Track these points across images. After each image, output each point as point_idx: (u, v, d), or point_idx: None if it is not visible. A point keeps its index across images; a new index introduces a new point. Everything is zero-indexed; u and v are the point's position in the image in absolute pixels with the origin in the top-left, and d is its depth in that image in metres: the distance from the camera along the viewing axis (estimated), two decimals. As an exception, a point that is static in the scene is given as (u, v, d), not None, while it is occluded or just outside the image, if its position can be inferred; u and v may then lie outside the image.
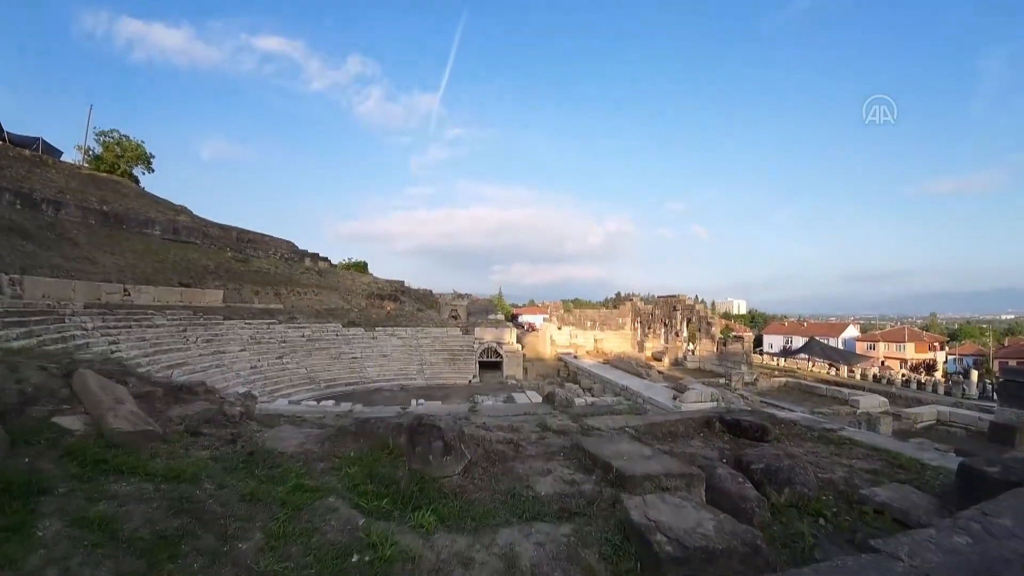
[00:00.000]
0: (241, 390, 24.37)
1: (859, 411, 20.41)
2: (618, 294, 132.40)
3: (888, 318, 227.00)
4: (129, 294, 28.01)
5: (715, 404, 19.73)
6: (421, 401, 23.01)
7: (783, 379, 28.04)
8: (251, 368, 27.27)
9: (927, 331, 73.06)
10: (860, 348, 58.74)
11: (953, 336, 77.69)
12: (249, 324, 31.62)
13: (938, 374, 46.67)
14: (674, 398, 21.60)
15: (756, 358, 37.21)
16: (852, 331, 71.44)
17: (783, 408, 21.76)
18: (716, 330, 34.70)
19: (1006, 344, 64.07)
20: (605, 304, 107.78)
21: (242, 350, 28.67)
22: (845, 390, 23.76)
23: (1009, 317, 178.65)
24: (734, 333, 41.73)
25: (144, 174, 53.14)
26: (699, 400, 19.60)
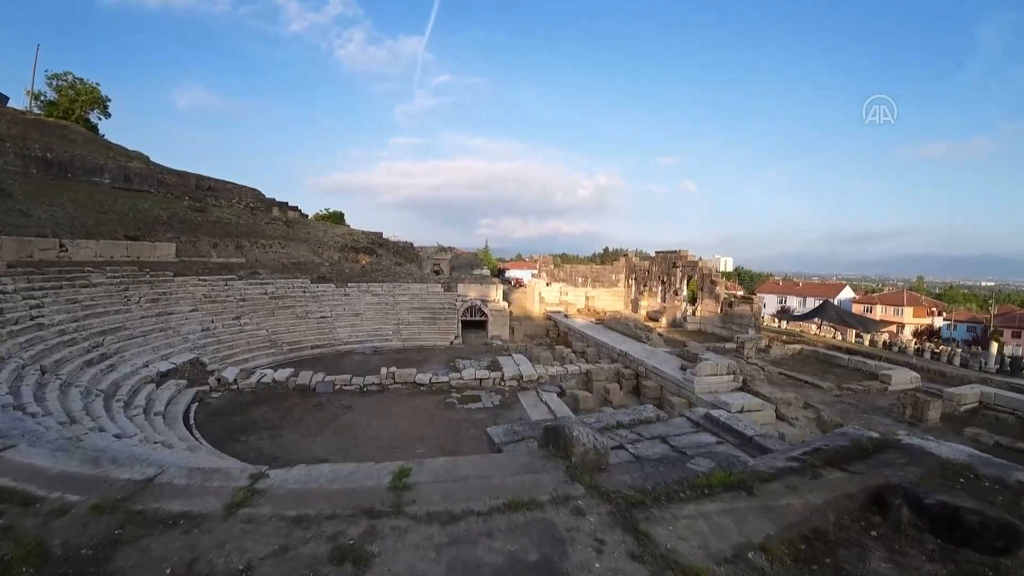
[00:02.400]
0: (187, 357, 21.41)
1: (890, 387, 18.06)
2: (606, 249, 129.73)
3: (871, 279, 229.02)
4: (66, 249, 24.85)
5: (732, 377, 17.22)
6: (392, 369, 20.20)
7: (797, 346, 25.50)
8: (202, 331, 24.01)
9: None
10: (857, 311, 57.14)
11: (939, 300, 76.84)
12: (204, 281, 28.14)
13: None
14: (683, 368, 19.03)
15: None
16: (848, 292, 69.80)
17: (806, 383, 19.45)
18: (720, 290, 32.06)
19: (995, 312, 63.33)
20: (594, 259, 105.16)
21: (193, 310, 25.35)
22: (870, 361, 21.27)
23: (990, 284, 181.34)
24: (734, 293, 39.21)
25: (100, 120, 48.78)
26: (714, 373, 16.99)
